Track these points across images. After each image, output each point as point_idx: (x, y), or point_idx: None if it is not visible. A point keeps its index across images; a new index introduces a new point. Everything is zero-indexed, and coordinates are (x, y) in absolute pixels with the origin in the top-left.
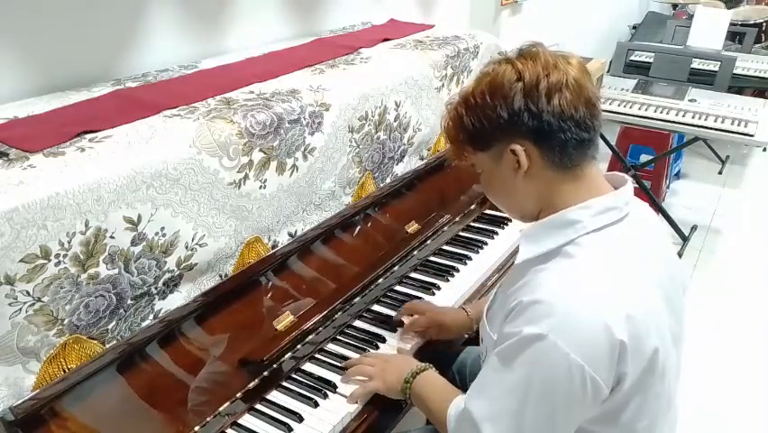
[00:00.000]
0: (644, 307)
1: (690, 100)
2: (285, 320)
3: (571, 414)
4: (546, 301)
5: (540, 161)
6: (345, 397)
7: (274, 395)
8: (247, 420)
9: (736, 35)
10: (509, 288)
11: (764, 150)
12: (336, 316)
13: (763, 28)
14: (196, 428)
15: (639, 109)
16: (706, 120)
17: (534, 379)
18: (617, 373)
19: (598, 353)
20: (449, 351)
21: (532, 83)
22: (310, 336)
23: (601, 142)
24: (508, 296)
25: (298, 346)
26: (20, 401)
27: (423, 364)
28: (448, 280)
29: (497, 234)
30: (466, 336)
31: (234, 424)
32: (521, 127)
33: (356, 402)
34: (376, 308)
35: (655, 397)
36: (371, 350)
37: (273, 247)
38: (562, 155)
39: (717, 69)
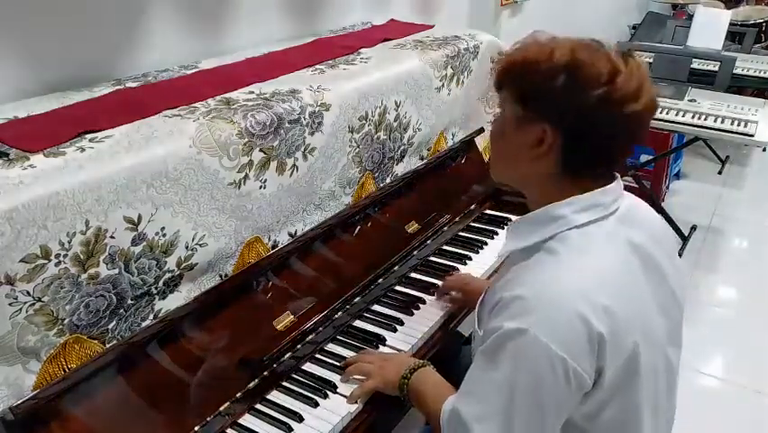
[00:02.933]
0: (626, 303)
1: (690, 100)
2: (285, 320)
3: (558, 407)
4: (526, 296)
5: (554, 156)
6: (345, 397)
7: (274, 395)
8: (247, 420)
9: (735, 35)
10: (495, 284)
11: (764, 150)
12: (336, 316)
13: (763, 28)
14: (196, 428)
15: None
16: (706, 120)
17: (518, 375)
18: (597, 366)
19: (578, 344)
20: (449, 351)
21: (613, 96)
22: (310, 336)
23: None
24: (494, 293)
25: (298, 346)
26: (20, 401)
27: (421, 361)
28: None
29: (497, 234)
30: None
31: (234, 424)
32: (567, 121)
33: (356, 402)
34: (376, 307)
35: (643, 395)
36: (371, 350)
37: (273, 247)
38: (575, 166)
39: (716, 69)
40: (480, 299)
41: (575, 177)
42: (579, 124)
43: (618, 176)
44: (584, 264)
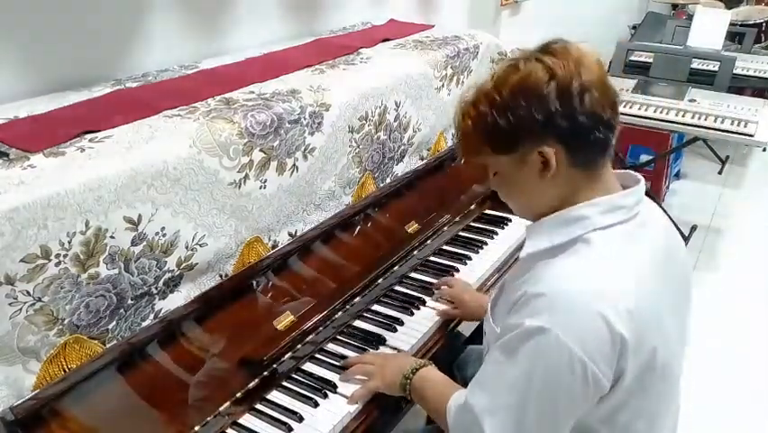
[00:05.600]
0: (648, 304)
1: (690, 100)
2: (285, 320)
3: (573, 408)
4: (549, 294)
5: (566, 162)
6: (345, 397)
7: (274, 395)
8: (247, 420)
9: (735, 35)
10: (515, 281)
11: (764, 150)
12: (336, 316)
13: (763, 28)
14: (197, 428)
15: (639, 109)
16: (706, 120)
17: (535, 372)
18: (618, 369)
19: (600, 347)
20: (449, 351)
21: (565, 83)
22: (310, 336)
23: None
24: (514, 288)
25: (298, 346)
26: (20, 401)
27: (422, 361)
28: None
29: (497, 234)
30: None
31: (234, 424)
32: (554, 130)
33: (356, 402)
34: (376, 307)
35: (656, 396)
36: (371, 350)
37: (273, 247)
38: (588, 156)
39: (716, 69)
40: (494, 295)
41: (595, 167)
42: (561, 126)
43: (642, 179)
44: (608, 266)
